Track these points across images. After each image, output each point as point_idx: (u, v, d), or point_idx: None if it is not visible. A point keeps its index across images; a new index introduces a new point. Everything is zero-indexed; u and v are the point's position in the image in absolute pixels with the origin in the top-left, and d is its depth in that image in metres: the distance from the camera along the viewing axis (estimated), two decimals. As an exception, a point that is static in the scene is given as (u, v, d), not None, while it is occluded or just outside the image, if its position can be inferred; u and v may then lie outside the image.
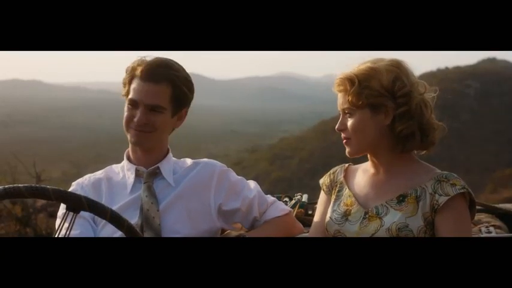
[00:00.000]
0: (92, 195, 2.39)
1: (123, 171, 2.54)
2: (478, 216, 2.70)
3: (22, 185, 1.64)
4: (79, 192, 2.37)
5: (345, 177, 2.42)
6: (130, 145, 2.54)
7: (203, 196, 2.52)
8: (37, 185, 1.66)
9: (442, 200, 2.12)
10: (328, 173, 2.50)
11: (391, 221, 2.16)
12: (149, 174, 2.49)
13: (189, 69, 2.50)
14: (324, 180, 2.49)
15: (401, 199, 2.18)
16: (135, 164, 2.52)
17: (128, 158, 2.57)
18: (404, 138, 2.19)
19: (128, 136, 2.48)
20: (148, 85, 2.41)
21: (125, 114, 2.47)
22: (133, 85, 2.45)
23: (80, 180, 2.55)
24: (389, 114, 2.19)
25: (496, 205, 2.85)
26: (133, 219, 2.36)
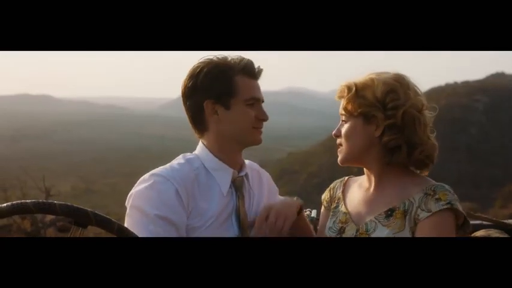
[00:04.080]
0: (185, 199, 2.17)
1: (204, 167, 2.29)
2: (488, 232, 2.69)
3: (30, 201, 1.64)
4: (174, 186, 2.16)
5: (343, 191, 2.40)
6: (231, 145, 2.31)
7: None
8: (44, 201, 1.66)
9: (423, 216, 2.04)
10: (329, 187, 2.49)
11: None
12: (241, 181, 2.35)
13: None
14: (324, 196, 2.48)
15: (389, 213, 2.14)
16: (227, 164, 2.31)
17: (218, 157, 2.31)
18: (391, 150, 2.16)
19: (247, 136, 2.30)
20: (255, 82, 2.30)
21: (249, 113, 2.27)
22: (242, 82, 2.26)
23: (170, 174, 2.20)
24: (380, 126, 2.16)
25: (506, 221, 2.83)
26: (234, 230, 2.27)
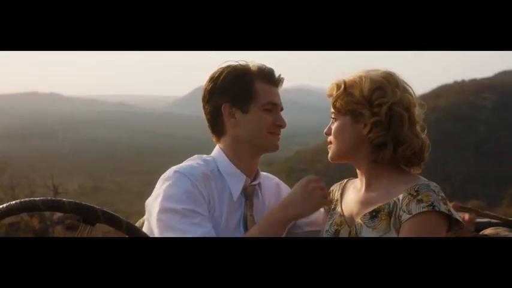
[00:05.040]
0: (205, 193, 2.19)
1: (218, 170, 2.30)
2: (496, 230, 2.68)
3: (38, 198, 1.65)
4: (191, 181, 2.17)
5: (342, 194, 2.36)
6: (246, 150, 2.31)
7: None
8: (53, 198, 1.66)
9: (405, 217, 2.00)
10: (328, 190, 2.45)
11: None
12: (252, 190, 2.34)
13: (202, 83, 2.45)
14: None
15: (374, 214, 2.09)
16: (241, 170, 2.31)
17: (233, 162, 2.32)
18: (378, 148, 2.13)
19: (263, 141, 2.30)
20: (274, 89, 2.32)
21: (266, 118, 2.28)
22: (260, 87, 2.27)
23: (189, 171, 2.21)
24: (367, 124, 2.14)
25: (514, 219, 2.82)
26: (241, 235, 2.25)
